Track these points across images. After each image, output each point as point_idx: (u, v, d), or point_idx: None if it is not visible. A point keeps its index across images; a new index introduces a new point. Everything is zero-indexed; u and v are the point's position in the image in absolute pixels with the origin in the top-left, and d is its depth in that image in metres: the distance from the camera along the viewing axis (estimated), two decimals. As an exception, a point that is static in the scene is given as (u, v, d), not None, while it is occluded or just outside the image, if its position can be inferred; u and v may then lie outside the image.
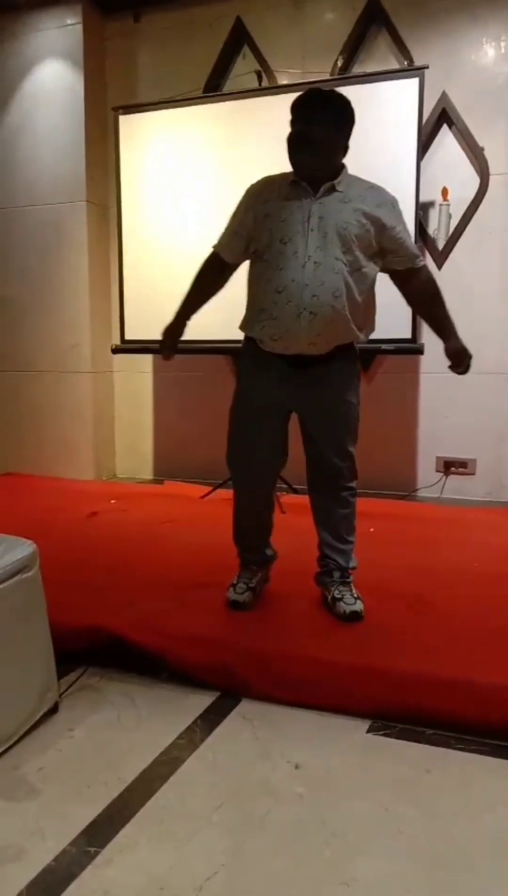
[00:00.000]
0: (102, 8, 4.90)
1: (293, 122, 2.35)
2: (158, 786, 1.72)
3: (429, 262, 4.40)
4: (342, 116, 2.35)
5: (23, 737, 1.90)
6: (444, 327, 2.53)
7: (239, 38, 4.68)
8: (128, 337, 4.83)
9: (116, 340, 4.95)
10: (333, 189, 2.34)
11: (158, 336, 4.80)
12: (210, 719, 2.02)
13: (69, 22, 4.79)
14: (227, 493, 4.46)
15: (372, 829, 1.58)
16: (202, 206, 4.46)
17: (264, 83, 4.55)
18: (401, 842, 1.54)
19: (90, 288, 4.96)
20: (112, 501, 4.31)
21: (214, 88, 4.70)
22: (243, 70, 4.67)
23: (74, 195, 4.89)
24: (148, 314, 4.74)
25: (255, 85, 4.54)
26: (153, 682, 2.23)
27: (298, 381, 2.46)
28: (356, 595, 2.50)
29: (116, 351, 4.92)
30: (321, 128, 2.30)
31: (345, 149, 2.39)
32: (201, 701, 2.12)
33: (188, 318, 2.71)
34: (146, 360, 5.13)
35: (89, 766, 1.81)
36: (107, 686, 2.20)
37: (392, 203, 2.39)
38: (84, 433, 5.10)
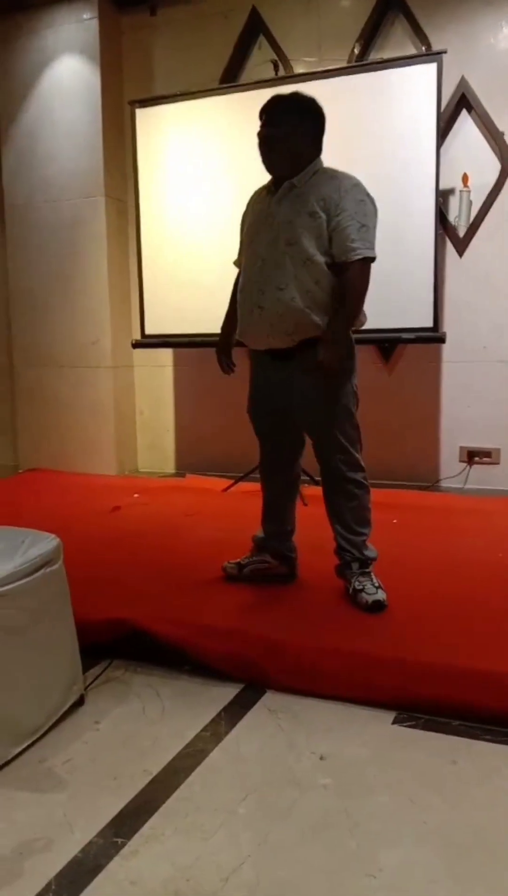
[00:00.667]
0: (117, 2, 4.89)
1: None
2: (183, 777, 1.73)
3: (450, 249, 4.36)
4: (298, 114, 2.41)
5: (50, 729, 1.92)
6: (333, 319, 2.39)
7: (254, 29, 4.66)
8: (148, 331, 4.84)
9: (136, 335, 4.97)
10: (293, 187, 2.41)
11: (178, 330, 4.84)
12: (234, 711, 2.03)
13: (85, 17, 4.79)
14: (248, 486, 4.48)
15: (398, 820, 1.58)
16: (220, 198, 4.45)
17: (281, 73, 4.52)
18: (426, 832, 1.54)
19: (110, 282, 4.97)
20: (135, 496, 4.34)
21: (230, 80, 4.68)
22: (259, 60, 4.65)
23: (92, 190, 4.91)
24: (168, 308, 4.76)
25: (271, 75, 4.51)
26: (177, 674, 2.24)
27: (279, 377, 2.55)
28: (377, 584, 2.50)
29: (136, 345, 4.93)
30: (276, 127, 2.40)
31: (308, 145, 2.42)
32: (225, 693, 2.12)
33: (231, 332, 2.78)
34: (166, 354, 5.13)
35: (115, 758, 1.83)
36: (132, 678, 2.22)
37: (347, 189, 2.35)
38: (106, 428, 5.12)
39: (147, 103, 4.67)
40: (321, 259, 2.36)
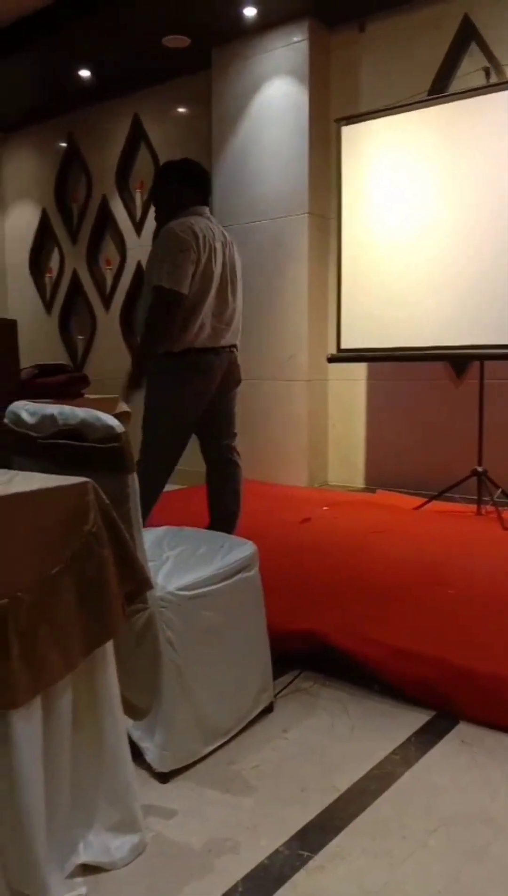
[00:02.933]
0: (327, 22, 4.98)
1: None
2: (371, 799, 1.69)
3: None
4: (157, 178, 3.04)
5: (239, 733, 1.95)
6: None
7: (466, 36, 4.54)
8: (344, 345, 4.85)
9: (332, 349, 4.99)
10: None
11: (373, 344, 4.80)
12: (425, 738, 1.95)
13: (295, 39, 4.92)
14: (442, 506, 4.34)
15: None
16: (425, 211, 4.37)
17: (493, 80, 4.37)
18: None
19: (309, 298, 5.05)
20: (324, 508, 4.35)
21: (439, 91, 4.59)
22: (470, 69, 4.52)
23: (295, 208, 5.01)
24: (364, 322, 4.75)
25: (483, 83, 4.37)
26: (366, 692, 2.20)
27: None
28: None
29: (331, 360, 4.96)
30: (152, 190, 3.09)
31: (168, 203, 2.96)
32: (416, 718, 2.05)
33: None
34: (360, 369, 5.12)
35: (303, 769, 1.82)
36: (320, 691, 2.21)
37: (159, 239, 2.83)
38: (299, 440, 5.19)
39: (353, 120, 4.70)
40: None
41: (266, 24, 4.97)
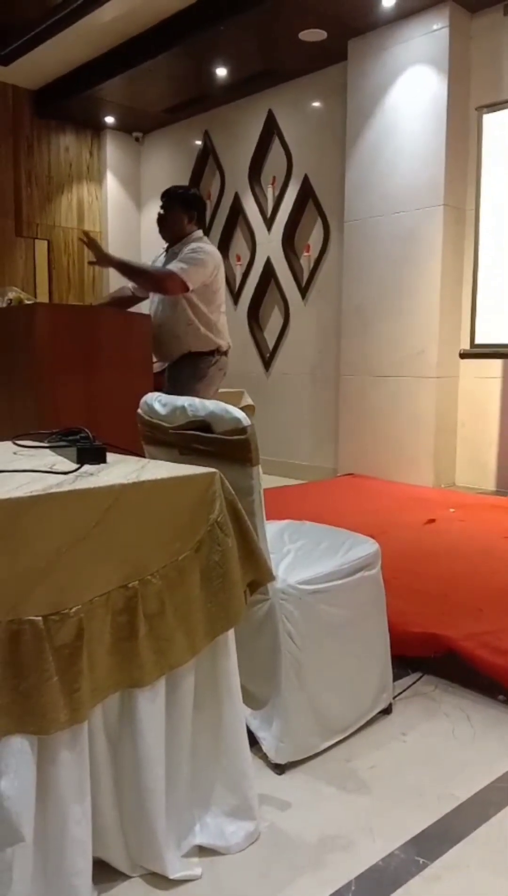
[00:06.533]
0: (469, 7, 4.81)
1: None
2: (493, 811, 1.63)
3: None
4: (172, 202, 3.52)
5: (357, 731, 1.93)
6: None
7: None
8: (478, 341, 4.69)
9: (465, 345, 4.84)
10: (172, 253, 3.51)
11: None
12: (553, 754, 1.86)
13: (435, 27, 4.79)
14: None
15: None
16: None
17: None
18: None
19: (441, 292, 4.91)
20: (451, 510, 4.22)
21: None
22: None
23: (430, 200, 4.89)
24: (501, 317, 4.58)
25: None
26: (489, 701, 2.12)
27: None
28: None
29: (464, 355, 4.81)
30: (161, 210, 3.56)
31: (181, 222, 3.51)
32: (543, 732, 1.96)
33: None
34: (494, 365, 4.93)
35: (421, 774, 1.78)
36: (441, 697, 2.15)
37: (187, 251, 3.39)
38: (425, 438, 5.07)
39: (496, 107, 4.52)
40: (179, 300, 3.39)
41: (404, 13, 4.86)
